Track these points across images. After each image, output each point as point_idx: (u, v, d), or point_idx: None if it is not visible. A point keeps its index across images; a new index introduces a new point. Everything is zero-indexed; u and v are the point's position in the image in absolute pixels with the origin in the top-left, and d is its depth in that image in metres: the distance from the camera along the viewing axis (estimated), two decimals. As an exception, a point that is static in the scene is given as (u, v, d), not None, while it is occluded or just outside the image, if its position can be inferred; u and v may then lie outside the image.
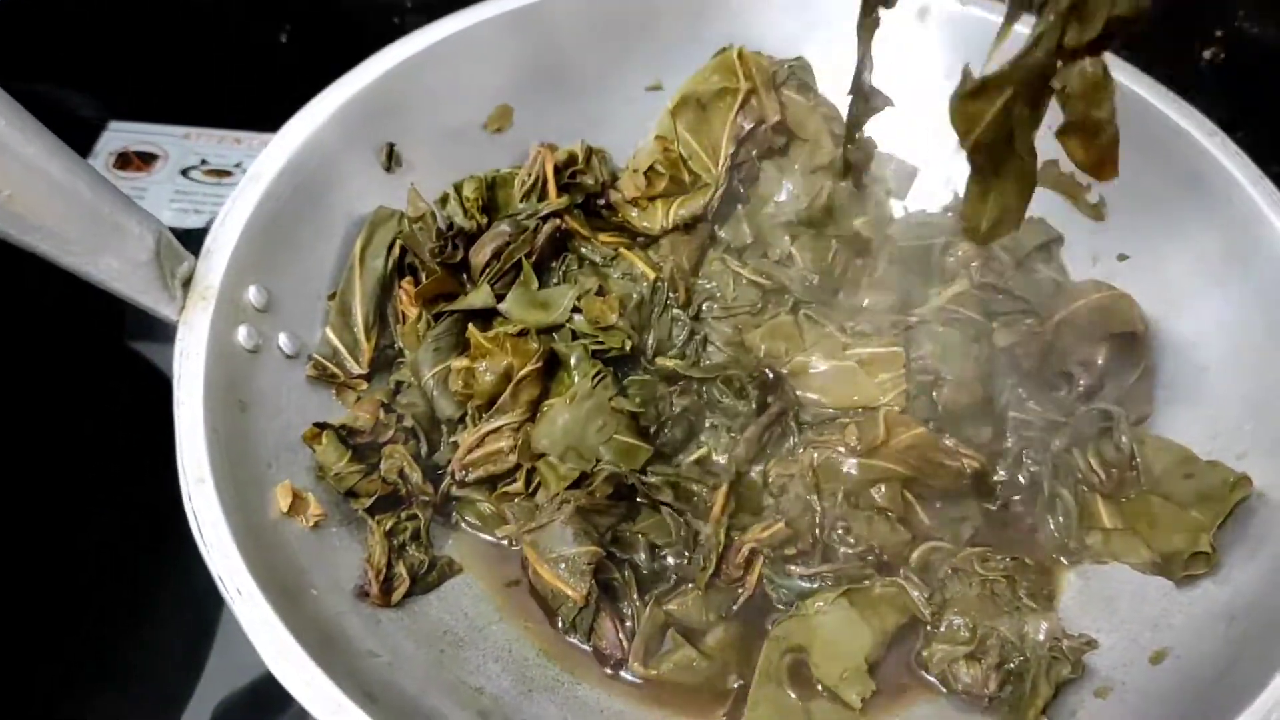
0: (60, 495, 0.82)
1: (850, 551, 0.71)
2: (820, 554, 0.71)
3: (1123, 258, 0.80)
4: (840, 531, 0.71)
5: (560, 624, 0.69)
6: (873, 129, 0.86)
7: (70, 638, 0.77)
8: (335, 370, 0.74)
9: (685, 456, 0.75)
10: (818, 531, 0.71)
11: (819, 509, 0.72)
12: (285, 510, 0.65)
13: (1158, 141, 0.78)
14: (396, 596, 0.67)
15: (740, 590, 0.71)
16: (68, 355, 0.91)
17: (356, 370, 0.75)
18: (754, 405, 0.74)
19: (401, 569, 0.67)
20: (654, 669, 0.67)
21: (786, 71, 0.84)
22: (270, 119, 0.99)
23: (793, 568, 0.71)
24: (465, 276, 0.79)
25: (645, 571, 0.72)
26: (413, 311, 0.77)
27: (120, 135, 1.07)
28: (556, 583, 0.67)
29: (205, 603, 0.77)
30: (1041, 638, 0.66)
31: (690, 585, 0.71)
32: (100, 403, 0.89)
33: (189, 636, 0.77)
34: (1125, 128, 0.78)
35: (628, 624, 0.69)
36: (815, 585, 0.70)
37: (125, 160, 1.05)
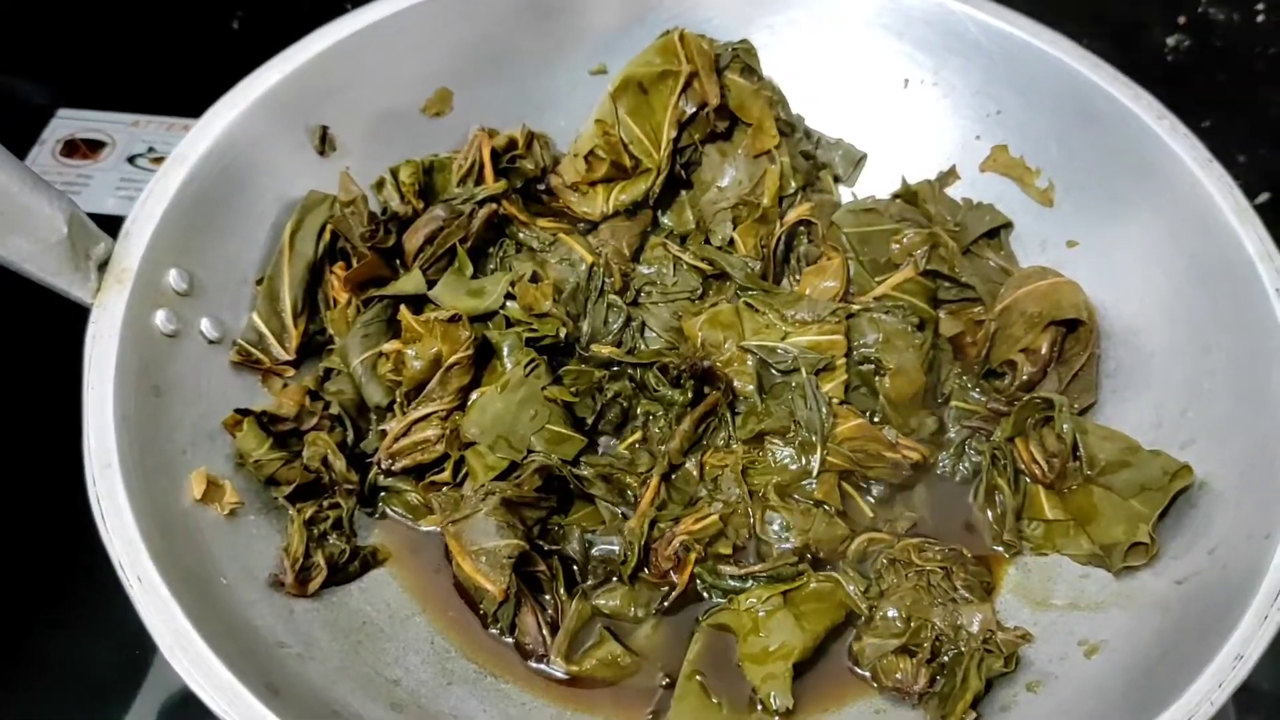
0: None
1: (786, 547, 0.69)
2: (755, 551, 0.70)
3: (1071, 244, 0.79)
4: (775, 526, 0.70)
5: (482, 618, 0.67)
6: (821, 114, 0.86)
7: (10, 633, 0.75)
8: (260, 356, 0.72)
9: (617, 444, 0.73)
10: (751, 526, 0.70)
11: (752, 501, 0.70)
12: (198, 497, 0.64)
13: (1107, 125, 0.76)
14: (313, 587, 0.65)
15: (670, 586, 0.70)
16: (17, 337, 0.89)
17: (283, 356, 0.73)
18: (689, 395, 0.73)
19: (320, 558, 0.66)
20: (577, 664, 0.66)
21: (730, 54, 0.82)
22: (220, 107, 0.97)
23: (724, 568, 0.69)
24: (398, 262, 0.77)
25: (577, 563, 0.70)
26: (343, 297, 0.75)
27: (68, 123, 1.06)
28: (476, 576, 0.65)
29: None
30: (975, 629, 0.65)
31: (616, 579, 0.69)
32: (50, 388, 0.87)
33: (134, 631, 0.75)
34: (1076, 111, 0.78)
35: (550, 616, 0.67)
36: (749, 585, 0.69)
37: (72, 148, 1.04)
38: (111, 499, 0.58)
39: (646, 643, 0.68)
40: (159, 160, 1.02)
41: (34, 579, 0.77)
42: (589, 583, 0.69)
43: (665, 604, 0.69)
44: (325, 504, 0.69)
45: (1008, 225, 0.82)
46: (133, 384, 0.63)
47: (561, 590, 0.68)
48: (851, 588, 0.67)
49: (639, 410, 0.74)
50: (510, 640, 0.67)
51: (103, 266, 0.66)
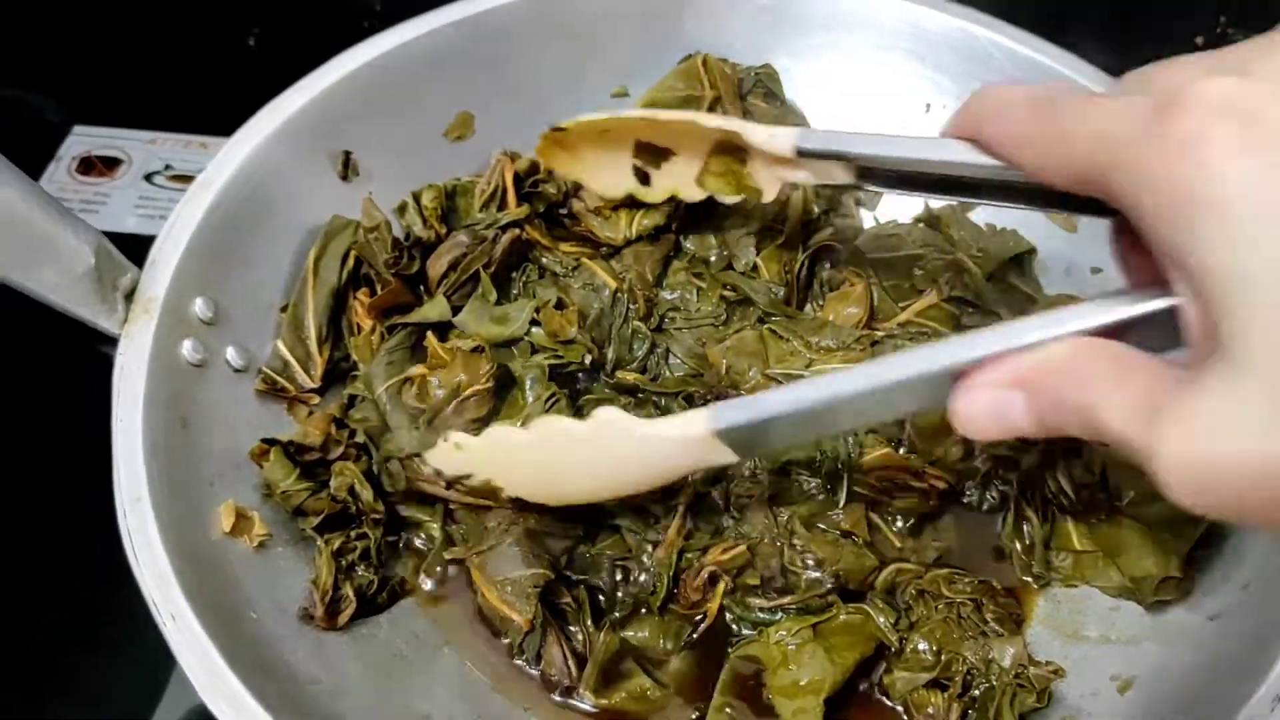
0: (21, 503, 0.81)
1: (814, 576, 0.69)
2: (782, 580, 0.69)
3: (1096, 270, 0.79)
4: (803, 558, 0.69)
5: (509, 648, 0.67)
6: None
7: (27, 653, 0.75)
8: (286, 384, 0.72)
9: None
10: (780, 557, 0.69)
11: (779, 531, 0.70)
12: (228, 530, 0.63)
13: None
14: (343, 619, 0.65)
15: (700, 617, 0.69)
16: (33, 359, 0.89)
17: (308, 384, 0.73)
18: None
19: (349, 590, 0.65)
20: (607, 698, 0.65)
21: (753, 79, 0.82)
22: (237, 124, 0.97)
23: (753, 600, 0.69)
24: (422, 288, 0.77)
25: (605, 594, 0.70)
26: (367, 323, 0.75)
27: (84, 140, 1.05)
28: (502, 607, 0.65)
29: None
30: (1007, 664, 0.64)
31: (645, 611, 0.69)
32: (67, 410, 0.87)
33: (151, 651, 0.75)
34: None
35: (576, 648, 0.67)
36: (777, 616, 0.68)
37: (88, 165, 1.04)
38: (142, 532, 0.58)
39: (676, 675, 0.67)
40: (177, 178, 1.02)
41: (47, 600, 0.77)
42: (617, 615, 0.69)
43: (694, 635, 0.69)
44: (353, 534, 0.68)
45: (1031, 251, 0.82)
46: (161, 415, 0.63)
47: (589, 621, 0.68)
48: (881, 619, 0.67)
49: None
50: (536, 672, 0.67)
51: (129, 296, 0.66)
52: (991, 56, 0.81)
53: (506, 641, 0.67)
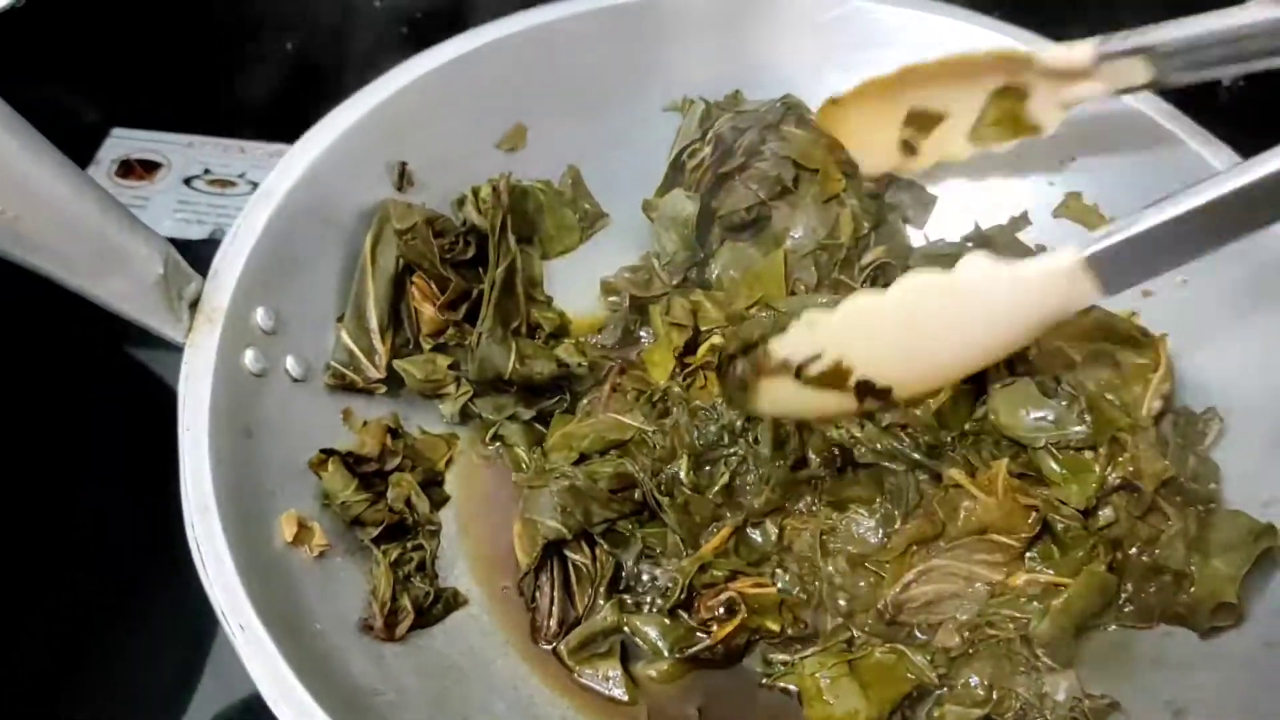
0: (53, 505, 0.81)
1: (839, 623, 0.70)
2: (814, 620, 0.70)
3: (1146, 294, 0.79)
4: (837, 599, 0.70)
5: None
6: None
7: (60, 649, 0.75)
8: (354, 377, 0.72)
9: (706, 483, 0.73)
10: (818, 594, 0.70)
11: (822, 569, 0.70)
12: (290, 540, 0.64)
13: (1185, 176, 0.75)
14: (401, 630, 0.65)
15: (703, 636, 0.69)
16: (65, 360, 0.89)
17: (374, 375, 0.73)
18: (788, 463, 0.72)
19: (406, 602, 0.66)
20: (574, 661, 0.67)
21: (781, 109, 0.83)
22: (275, 129, 0.98)
23: (774, 656, 0.69)
24: (481, 270, 0.78)
25: (626, 575, 0.71)
26: (427, 309, 0.75)
27: (123, 142, 1.05)
28: (516, 541, 0.68)
29: (200, 616, 0.75)
30: (1061, 698, 0.64)
31: (655, 609, 0.70)
32: (97, 410, 0.87)
33: (183, 650, 0.75)
34: (1151, 161, 0.78)
35: (570, 612, 0.69)
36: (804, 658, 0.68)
37: (127, 168, 1.04)
38: (210, 543, 0.58)
39: (653, 680, 0.68)
40: (216, 183, 1.02)
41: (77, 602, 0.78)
42: (628, 599, 0.70)
43: (691, 651, 0.68)
44: (409, 545, 0.69)
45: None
46: (225, 425, 0.63)
47: (602, 588, 0.69)
48: (919, 658, 0.66)
49: (732, 456, 0.73)
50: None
51: (194, 305, 0.66)
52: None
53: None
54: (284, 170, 0.72)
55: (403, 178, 0.78)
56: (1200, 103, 0.80)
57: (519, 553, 0.69)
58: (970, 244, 0.83)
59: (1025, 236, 0.84)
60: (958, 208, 0.86)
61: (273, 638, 0.56)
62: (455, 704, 0.64)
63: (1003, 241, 0.82)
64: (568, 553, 0.70)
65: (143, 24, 1.09)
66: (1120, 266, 0.55)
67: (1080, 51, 0.66)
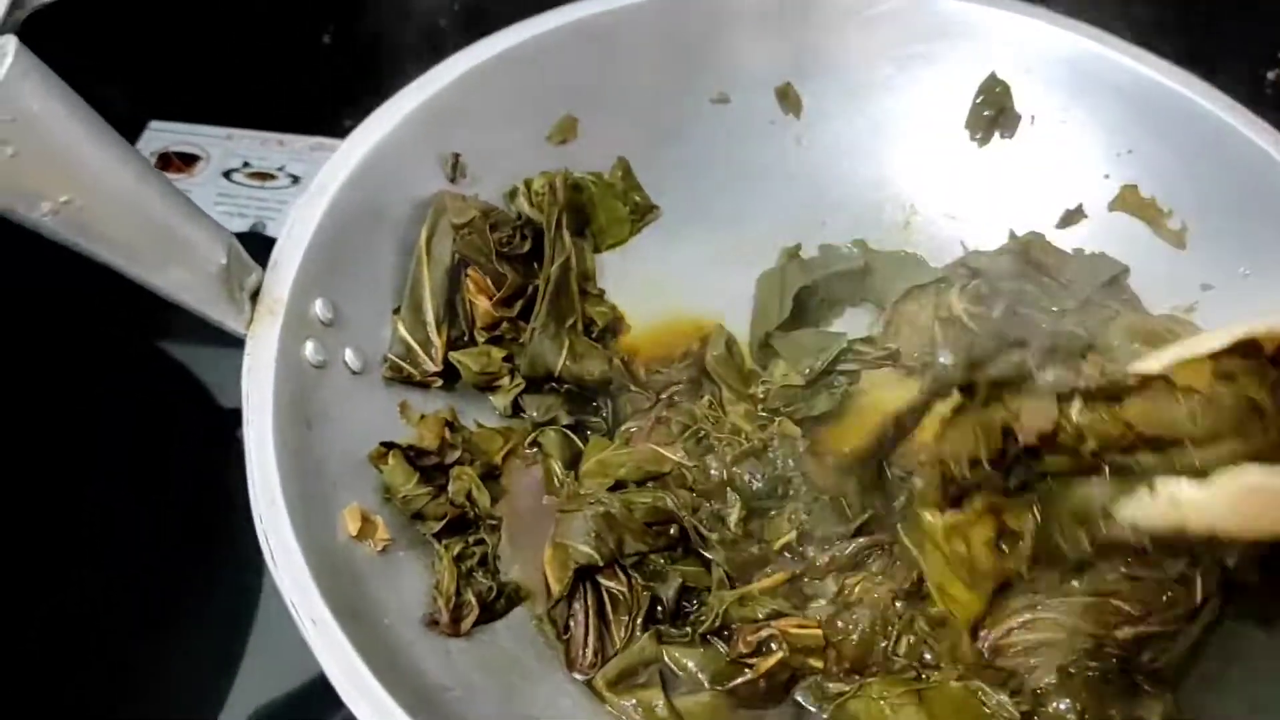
0: (87, 499, 0.81)
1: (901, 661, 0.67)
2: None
3: (1206, 287, 0.78)
4: (925, 651, 0.67)
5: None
6: (944, 148, 0.86)
7: (98, 643, 0.75)
8: (411, 370, 0.72)
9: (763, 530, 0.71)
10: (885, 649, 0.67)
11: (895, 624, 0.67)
12: (354, 534, 0.63)
13: (1244, 169, 0.76)
14: (466, 625, 0.64)
15: (747, 671, 0.66)
16: (95, 353, 0.89)
17: (431, 368, 0.72)
18: (853, 529, 0.70)
19: (470, 596, 0.65)
20: (614, 694, 0.64)
21: None
22: (314, 121, 0.97)
23: (830, 685, 0.66)
24: (536, 265, 0.78)
25: (663, 608, 0.69)
26: (482, 302, 0.75)
27: (161, 135, 1.05)
28: (545, 566, 0.66)
29: (238, 609, 0.76)
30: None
31: (692, 640, 0.68)
32: (126, 404, 0.87)
33: (221, 644, 0.75)
34: (1211, 154, 0.78)
35: (605, 643, 0.67)
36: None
37: (166, 161, 1.03)
38: (278, 535, 0.57)
39: (694, 709, 0.65)
40: (256, 176, 1.02)
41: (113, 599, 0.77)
42: (666, 627, 0.68)
43: (732, 685, 0.66)
44: (471, 540, 0.68)
45: (1125, 271, 0.81)
46: (288, 417, 0.63)
47: (639, 619, 0.67)
48: (1000, 696, 0.63)
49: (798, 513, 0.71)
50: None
51: (254, 296, 0.65)
52: (1098, 69, 0.81)
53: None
54: (339, 161, 0.71)
55: (456, 169, 0.77)
56: (1247, 92, 0.79)
57: (550, 580, 0.66)
58: (1005, 254, 0.82)
59: (1080, 230, 0.83)
60: (1012, 199, 0.85)
61: (346, 633, 0.55)
62: (522, 700, 0.63)
63: (1042, 248, 0.82)
64: (602, 580, 0.68)
65: (180, 15, 1.09)
66: None
67: None
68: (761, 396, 0.76)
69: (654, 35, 0.83)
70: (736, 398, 0.76)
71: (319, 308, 0.67)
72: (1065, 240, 0.83)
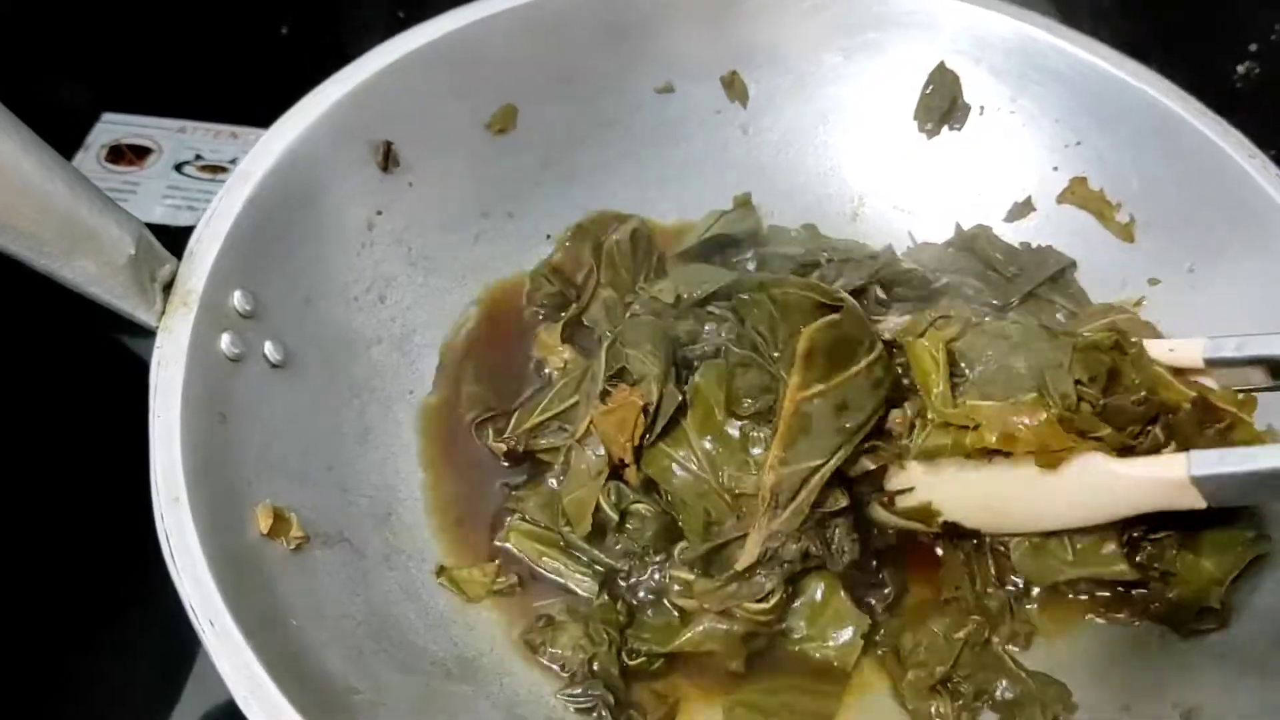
0: (30, 498, 0.79)
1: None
2: None
3: (1153, 281, 0.76)
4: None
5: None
6: (892, 139, 0.84)
7: (40, 651, 0.73)
8: None
9: None
10: None
11: None
12: (266, 531, 0.61)
13: (1193, 161, 0.74)
14: None
15: None
16: (41, 344, 0.87)
17: None
18: None
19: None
20: None
21: None
22: (269, 114, 0.95)
23: None
24: None
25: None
26: None
27: (113, 127, 1.04)
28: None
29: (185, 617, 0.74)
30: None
31: None
32: (77, 397, 0.85)
33: (167, 651, 0.74)
34: (1160, 146, 0.76)
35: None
36: None
37: (118, 154, 1.02)
38: (180, 535, 0.56)
39: None
40: (207, 169, 1.00)
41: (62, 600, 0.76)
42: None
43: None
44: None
45: (1071, 265, 0.80)
46: (199, 411, 0.61)
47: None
48: None
49: None
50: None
51: (167, 288, 0.64)
52: (1048, 59, 0.79)
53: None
54: (262, 150, 0.70)
55: (388, 158, 0.76)
56: (1217, 86, 0.78)
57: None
58: (951, 247, 0.81)
59: (1027, 224, 0.82)
60: (961, 192, 0.84)
61: (244, 634, 0.54)
62: (438, 702, 0.62)
63: (987, 241, 0.80)
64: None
65: (134, 7, 1.08)
66: (1226, 491, 0.56)
67: (1186, 353, 0.63)
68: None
69: (596, 23, 0.81)
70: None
71: (238, 299, 0.66)
72: (1013, 233, 0.81)
